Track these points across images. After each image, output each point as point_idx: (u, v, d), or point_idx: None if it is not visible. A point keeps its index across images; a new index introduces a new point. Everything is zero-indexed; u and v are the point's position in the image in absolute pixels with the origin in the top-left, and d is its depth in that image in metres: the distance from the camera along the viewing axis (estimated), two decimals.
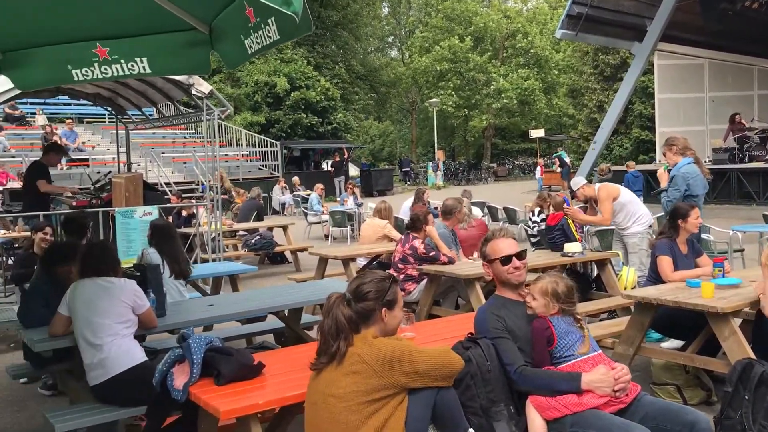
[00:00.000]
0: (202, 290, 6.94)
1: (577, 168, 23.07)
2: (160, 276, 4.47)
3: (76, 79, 4.01)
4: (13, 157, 18.66)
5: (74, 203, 8.50)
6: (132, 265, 4.58)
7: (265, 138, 26.22)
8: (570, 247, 6.47)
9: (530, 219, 9.41)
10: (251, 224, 11.96)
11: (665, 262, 4.89)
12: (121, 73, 3.98)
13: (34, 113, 22.65)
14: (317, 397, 2.74)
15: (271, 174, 24.73)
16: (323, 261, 7.67)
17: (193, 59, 3.99)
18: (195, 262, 8.73)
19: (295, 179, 22.89)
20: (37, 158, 9.05)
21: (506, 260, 3.31)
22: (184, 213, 12.26)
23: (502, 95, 40.37)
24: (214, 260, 8.93)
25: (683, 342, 4.82)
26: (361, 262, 7.77)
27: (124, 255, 7.13)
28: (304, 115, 31.30)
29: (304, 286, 5.99)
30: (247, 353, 3.29)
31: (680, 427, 2.87)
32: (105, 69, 3.94)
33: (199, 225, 10.05)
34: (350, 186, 16.49)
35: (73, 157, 19.20)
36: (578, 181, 7.21)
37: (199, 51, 3.92)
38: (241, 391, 3.00)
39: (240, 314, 4.90)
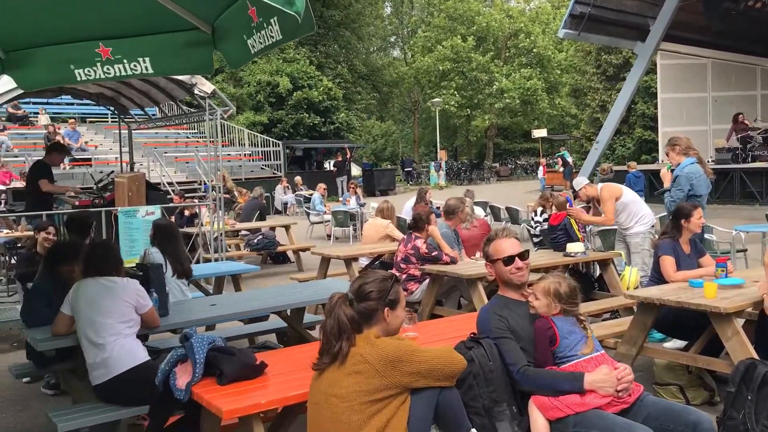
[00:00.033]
0: (204, 290, 6.94)
1: (579, 168, 23.06)
2: (163, 275, 4.47)
3: (78, 79, 4.01)
4: (16, 156, 18.69)
5: (77, 203, 8.52)
6: (135, 265, 4.58)
7: (268, 138, 26.24)
8: (572, 247, 6.46)
9: (533, 219, 9.40)
10: (254, 224, 11.97)
11: (668, 262, 4.88)
12: (123, 73, 3.98)
13: (37, 113, 22.68)
14: (320, 397, 2.74)
15: (274, 174, 24.75)
16: (325, 261, 7.68)
17: (195, 59, 3.98)
18: (197, 261, 8.74)
19: (298, 179, 22.91)
20: (40, 158, 9.07)
21: (509, 260, 3.31)
22: (186, 213, 12.27)
23: (505, 95, 40.34)
24: (216, 260, 8.95)
25: (686, 342, 4.81)
26: (364, 261, 7.77)
27: (126, 254, 7.13)
28: (307, 115, 31.32)
29: (307, 285, 5.99)
30: (250, 353, 3.29)
31: (683, 428, 2.87)
32: (107, 69, 3.94)
33: (202, 225, 10.06)
34: (352, 186, 16.49)
35: (76, 157, 19.23)
36: (580, 181, 7.21)
37: (201, 51, 3.92)
38: (244, 390, 3.00)
39: (242, 314, 4.90)
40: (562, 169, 28.18)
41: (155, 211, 8.01)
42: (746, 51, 21.12)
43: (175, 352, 3.21)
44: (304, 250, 10.92)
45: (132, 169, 11.71)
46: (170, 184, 18.05)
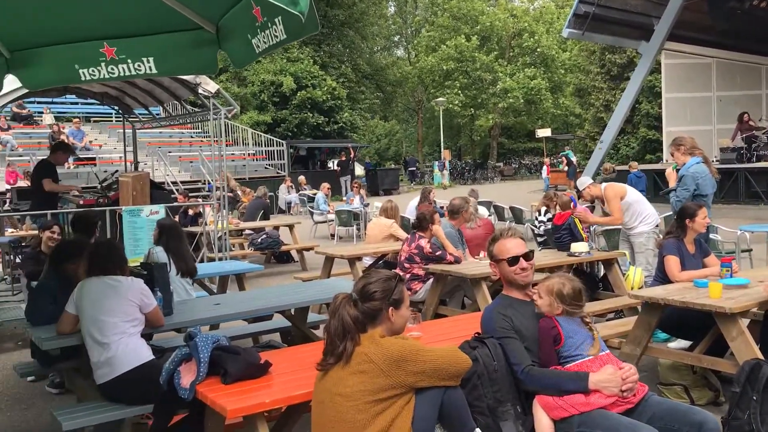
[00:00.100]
0: (208, 289, 6.96)
1: (583, 168, 23.02)
2: (167, 275, 4.48)
3: (83, 78, 4.01)
4: (21, 156, 18.76)
5: (81, 202, 8.54)
6: (139, 264, 4.58)
7: (272, 137, 26.26)
8: (577, 247, 6.45)
9: (537, 218, 9.39)
10: (257, 223, 11.97)
11: (672, 262, 4.87)
12: (127, 72, 3.98)
13: (42, 112, 22.74)
14: (324, 396, 2.74)
15: (278, 173, 24.77)
16: (329, 260, 7.68)
17: (200, 59, 3.98)
18: (201, 260, 8.76)
19: (301, 178, 22.91)
20: (45, 157, 9.09)
21: (513, 260, 3.30)
22: (190, 212, 12.28)
23: (509, 94, 40.29)
24: (220, 259, 8.96)
25: (690, 342, 4.80)
26: (367, 261, 7.77)
27: (131, 254, 7.15)
28: (311, 115, 31.35)
29: (311, 285, 5.99)
30: (254, 352, 3.29)
31: (688, 428, 2.86)
32: (112, 69, 3.95)
33: (206, 224, 10.07)
34: (356, 185, 16.49)
35: (81, 156, 19.26)
36: (584, 181, 7.20)
37: (206, 50, 3.92)
38: (248, 389, 3.00)
39: (246, 313, 4.90)
40: (566, 168, 28.13)
41: (159, 211, 8.02)
42: (751, 50, 21.05)
43: (180, 351, 3.21)
44: (307, 249, 10.92)
45: (136, 168, 11.75)
46: (174, 183, 18.09)
